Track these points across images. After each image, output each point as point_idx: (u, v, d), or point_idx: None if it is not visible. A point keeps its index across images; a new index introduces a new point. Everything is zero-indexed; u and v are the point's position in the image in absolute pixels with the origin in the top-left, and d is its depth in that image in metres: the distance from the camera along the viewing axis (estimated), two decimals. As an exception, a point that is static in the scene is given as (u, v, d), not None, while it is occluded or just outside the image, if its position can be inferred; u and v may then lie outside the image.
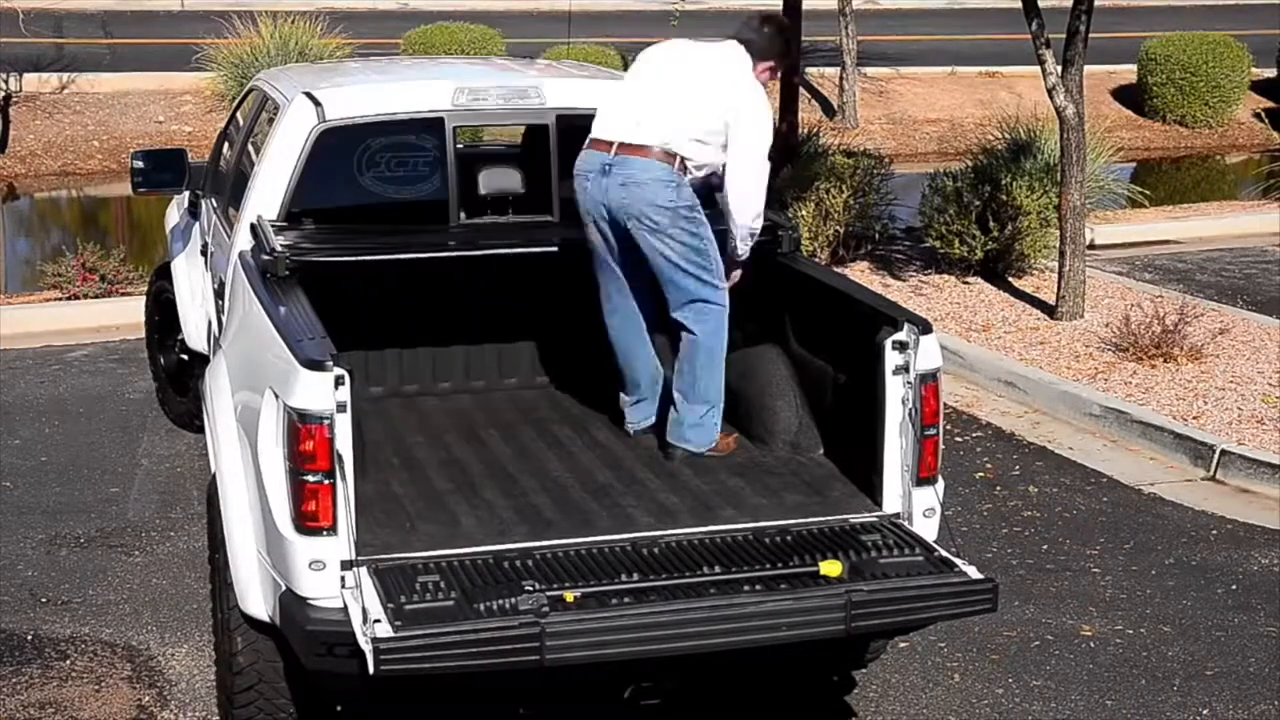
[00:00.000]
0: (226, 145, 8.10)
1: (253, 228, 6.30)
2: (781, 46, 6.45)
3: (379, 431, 6.35)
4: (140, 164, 8.15)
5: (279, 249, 6.00)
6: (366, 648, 4.64)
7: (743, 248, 6.32)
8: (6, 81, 19.23)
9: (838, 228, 12.44)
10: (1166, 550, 7.80)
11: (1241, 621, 7.04)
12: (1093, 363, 10.29)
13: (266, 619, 5.30)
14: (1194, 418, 9.31)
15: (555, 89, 6.96)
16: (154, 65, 20.78)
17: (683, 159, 6.10)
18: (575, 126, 6.66)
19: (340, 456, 4.90)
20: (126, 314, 11.00)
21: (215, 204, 7.69)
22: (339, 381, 4.90)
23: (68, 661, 6.49)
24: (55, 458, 8.77)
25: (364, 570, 4.99)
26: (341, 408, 4.90)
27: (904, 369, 5.44)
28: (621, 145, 6.10)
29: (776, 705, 6.20)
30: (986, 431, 9.50)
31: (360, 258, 6.41)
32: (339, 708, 5.54)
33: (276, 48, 17.89)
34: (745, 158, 6.14)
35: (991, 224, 12.10)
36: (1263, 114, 21.98)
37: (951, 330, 11.02)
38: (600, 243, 6.22)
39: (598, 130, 6.22)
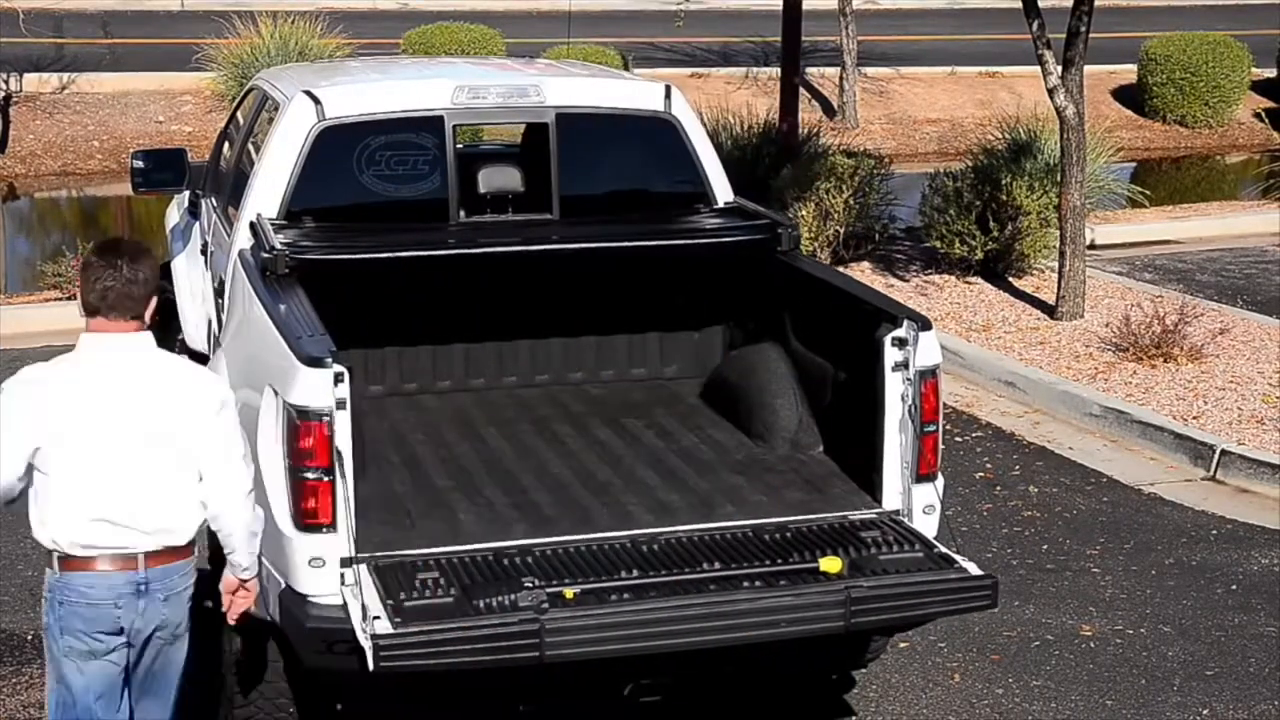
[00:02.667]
0: (226, 145, 8.10)
1: (252, 226, 6.30)
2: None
3: (379, 429, 6.35)
4: (140, 164, 8.15)
5: (279, 247, 5.99)
6: (366, 644, 4.64)
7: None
8: (6, 81, 19.22)
9: (838, 228, 12.44)
10: (1166, 550, 7.80)
11: (1241, 621, 7.03)
12: (1093, 363, 10.29)
13: (266, 617, 5.30)
14: (1194, 418, 9.31)
15: (555, 87, 6.96)
16: (154, 65, 20.77)
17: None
18: (575, 125, 6.65)
19: (340, 454, 4.91)
20: (126, 313, 10.96)
21: (215, 203, 7.69)
22: (338, 379, 4.90)
23: (67, 660, 6.48)
24: (55, 457, 8.74)
25: (363, 567, 4.99)
26: (341, 405, 4.90)
27: (903, 365, 5.45)
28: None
29: (776, 705, 6.20)
30: (986, 431, 9.50)
31: (360, 256, 6.40)
32: (339, 707, 5.53)
33: (276, 48, 17.89)
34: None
35: (992, 224, 12.10)
36: (1263, 114, 21.97)
37: (952, 330, 11.02)
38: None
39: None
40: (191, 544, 4.63)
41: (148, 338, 4.70)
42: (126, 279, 4.58)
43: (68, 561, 4.49)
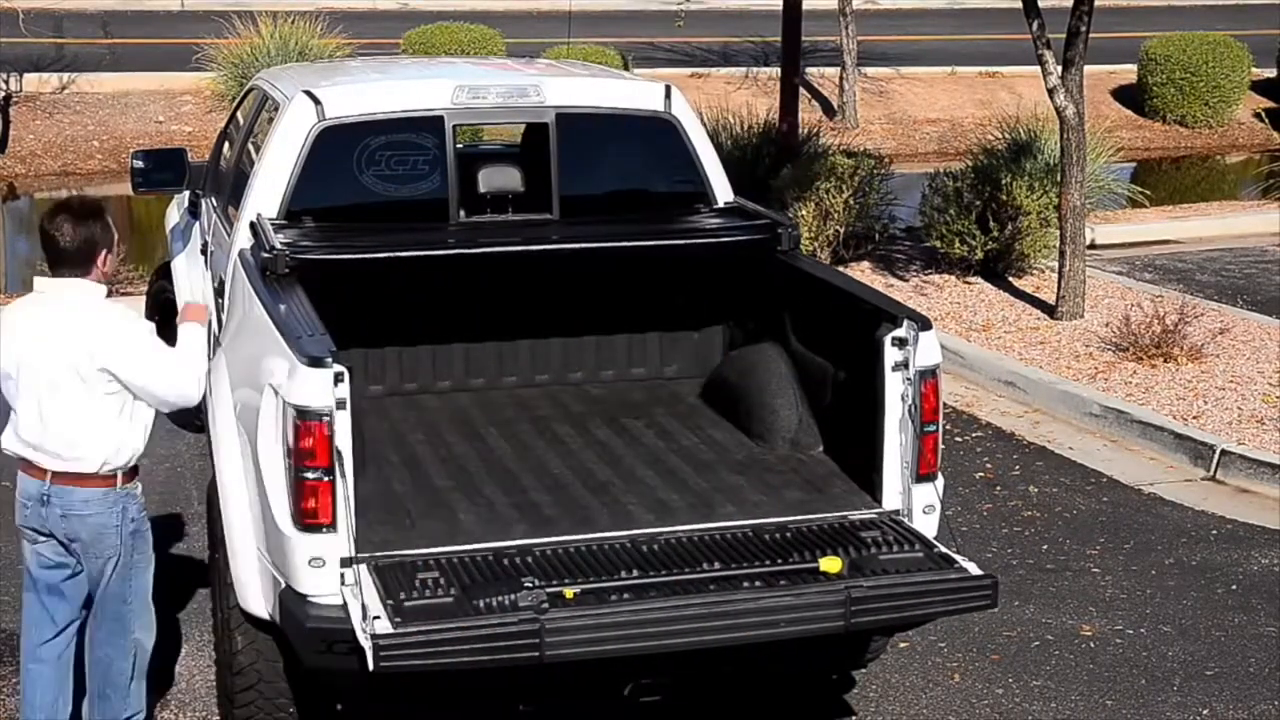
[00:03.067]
0: (226, 145, 8.09)
1: (253, 226, 6.30)
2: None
3: (379, 429, 6.35)
4: (140, 164, 8.14)
5: (279, 247, 6.00)
6: (366, 644, 4.64)
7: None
8: (7, 81, 19.22)
9: (838, 228, 12.44)
10: (1166, 550, 7.80)
11: (1241, 621, 7.03)
12: (1093, 362, 10.29)
13: (266, 617, 5.30)
14: (1194, 418, 9.31)
15: (555, 87, 6.95)
16: (154, 65, 20.78)
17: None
18: (575, 125, 6.64)
19: (340, 453, 4.90)
20: (126, 314, 10.95)
21: (215, 203, 7.69)
22: (338, 378, 4.90)
23: (67, 660, 6.47)
24: (55, 457, 8.74)
25: (364, 567, 4.99)
26: (341, 404, 4.90)
27: (903, 365, 5.44)
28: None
29: (776, 705, 6.20)
30: (986, 431, 9.50)
31: (360, 256, 6.40)
32: (339, 706, 5.53)
33: (276, 48, 17.90)
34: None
35: (992, 224, 12.10)
36: (1263, 114, 21.98)
37: (952, 330, 11.02)
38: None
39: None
40: (106, 475, 5.32)
41: (93, 287, 5.33)
42: (69, 240, 5.25)
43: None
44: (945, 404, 7.32)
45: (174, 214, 9.07)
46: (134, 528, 5.46)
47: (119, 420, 5.33)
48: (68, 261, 5.27)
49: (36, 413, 5.26)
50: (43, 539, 5.40)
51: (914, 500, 5.51)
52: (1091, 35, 10.93)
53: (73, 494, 5.31)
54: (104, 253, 5.32)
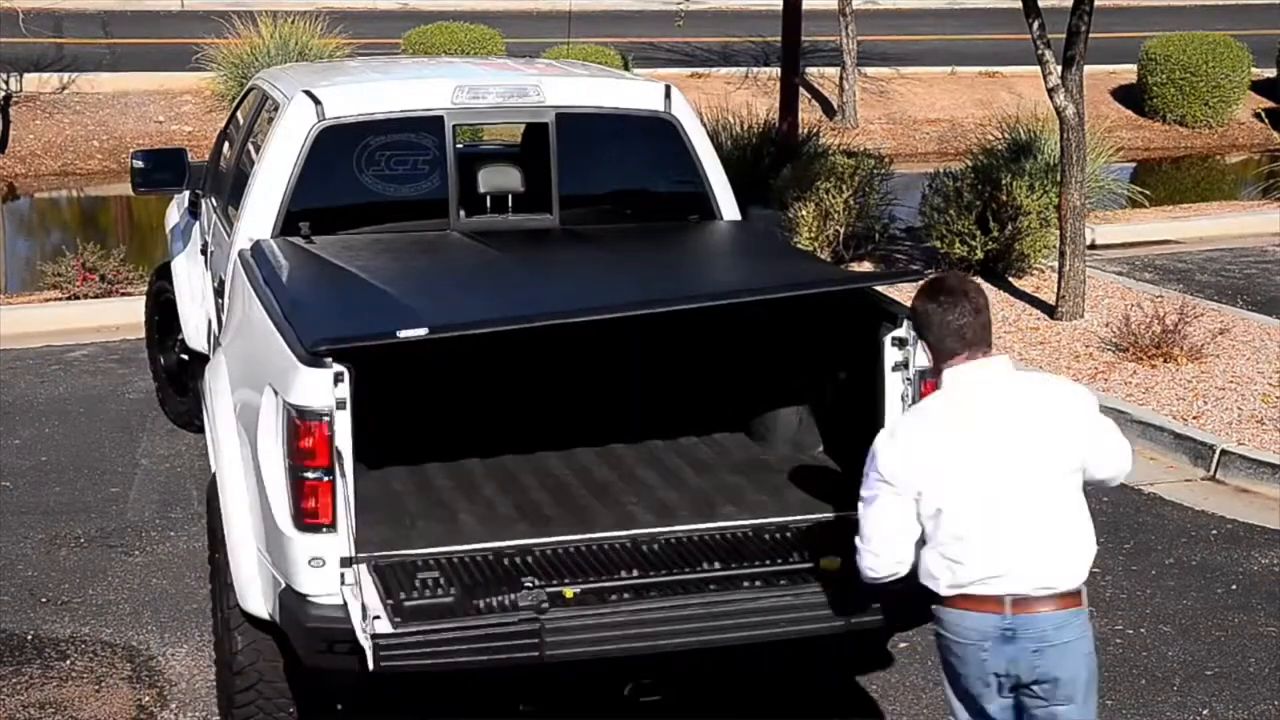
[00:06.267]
0: (226, 145, 8.10)
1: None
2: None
3: (378, 429, 6.34)
4: (140, 164, 8.15)
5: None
6: (366, 644, 4.64)
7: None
8: (6, 81, 19.22)
9: (838, 228, 12.44)
10: (1166, 550, 7.80)
11: (1241, 621, 7.03)
12: (1093, 363, 10.29)
13: (266, 617, 5.30)
14: (1194, 418, 9.30)
15: (555, 87, 6.96)
16: (154, 65, 20.79)
17: None
18: (575, 125, 6.63)
19: (340, 453, 4.90)
20: (126, 314, 10.99)
21: (215, 203, 7.69)
22: (338, 378, 4.89)
23: (68, 661, 6.49)
24: (55, 458, 8.76)
25: (364, 567, 4.99)
26: (341, 405, 4.89)
27: (903, 365, 5.44)
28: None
29: (776, 705, 6.20)
30: (986, 431, 9.49)
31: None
32: (339, 706, 5.54)
33: (276, 48, 17.90)
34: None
35: (991, 224, 12.10)
36: (1263, 114, 21.98)
37: (951, 330, 10.99)
38: None
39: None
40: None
41: (1005, 360, 4.64)
42: (974, 311, 4.57)
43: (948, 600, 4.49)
44: (945, 404, 7.30)
45: (174, 214, 9.08)
46: None
47: None
48: (977, 341, 4.61)
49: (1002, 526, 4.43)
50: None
51: (914, 500, 5.50)
52: (1091, 35, 10.92)
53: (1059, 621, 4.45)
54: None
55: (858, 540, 4.52)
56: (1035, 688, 4.43)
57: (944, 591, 4.45)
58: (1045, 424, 4.46)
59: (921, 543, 4.48)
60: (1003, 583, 4.38)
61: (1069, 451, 4.45)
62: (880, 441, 4.51)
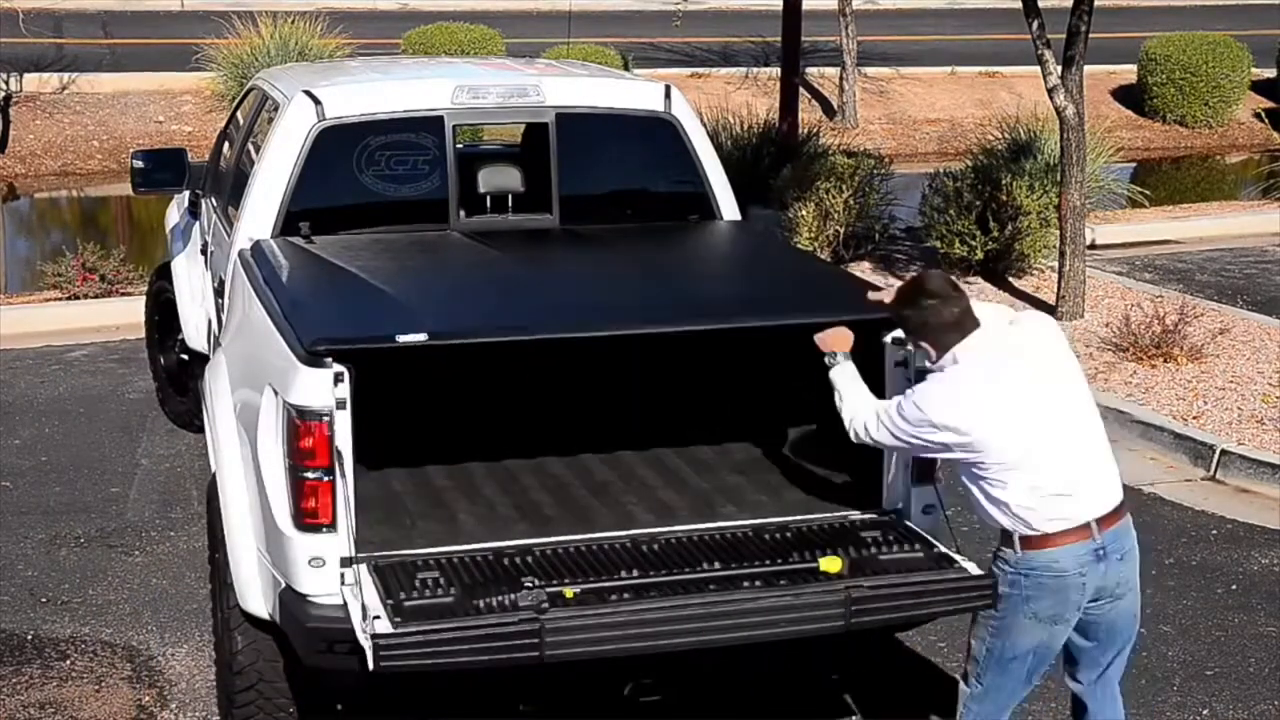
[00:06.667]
0: (226, 145, 8.10)
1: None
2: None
3: (378, 429, 6.33)
4: (140, 164, 8.15)
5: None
6: (366, 644, 4.64)
7: None
8: (6, 81, 19.22)
9: (838, 228, 12.44)
10: (1166, 550, 7.80)
11: (1241, 621, 7.03)
12: (1093, 363, 10.28)
13: (266, 617, 5.30)
14: (1194, 418, 9.30)
15: (555, 87, 6.96)
16: (154, 65, 20.78)
17: None
18: (575, 125, 6.63)
19: (340, 453, 4.90)
20: (126, 314, 10.99)
21: (215, 203, 7.69)
22: (338, 378, 4.89)
23: (68, 661, 6.49)
24: (55, 458, 8.76)
25: (363, 567, 4.99)
26: (341, 405, 4.89)
27: (903, 365, 5.44)
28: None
29: (776, 705, 6.19)
30: (986, 431, 9.48)
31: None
32: (339, 706, 5.53)
33: (276, 48, 17.90)
34: None
35: (991, 224, 12.09)
36: (1263, 114, 21.98)
37: (951, 330, 10.99)
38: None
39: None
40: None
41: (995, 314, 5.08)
42: (959, 302, 4.90)
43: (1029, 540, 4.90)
44: (945, 404, 7.30)
45: (174, 214, 9.08)
46: None
47: None
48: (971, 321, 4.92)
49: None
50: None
51: (914, 500, 5.52)
52: (1091, 35, 10.92)
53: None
54: None
55: (861, 430, 5.07)
56: (1112, 591, 4.97)
57: (1039, 529, 4.84)
58: (1057, 357, 4.97)
59: (990, 500, 4.88)
60: (1082, 509, 4.85)
61: (1080, 373, 5.00)
62: (924, 397, 4.83)
